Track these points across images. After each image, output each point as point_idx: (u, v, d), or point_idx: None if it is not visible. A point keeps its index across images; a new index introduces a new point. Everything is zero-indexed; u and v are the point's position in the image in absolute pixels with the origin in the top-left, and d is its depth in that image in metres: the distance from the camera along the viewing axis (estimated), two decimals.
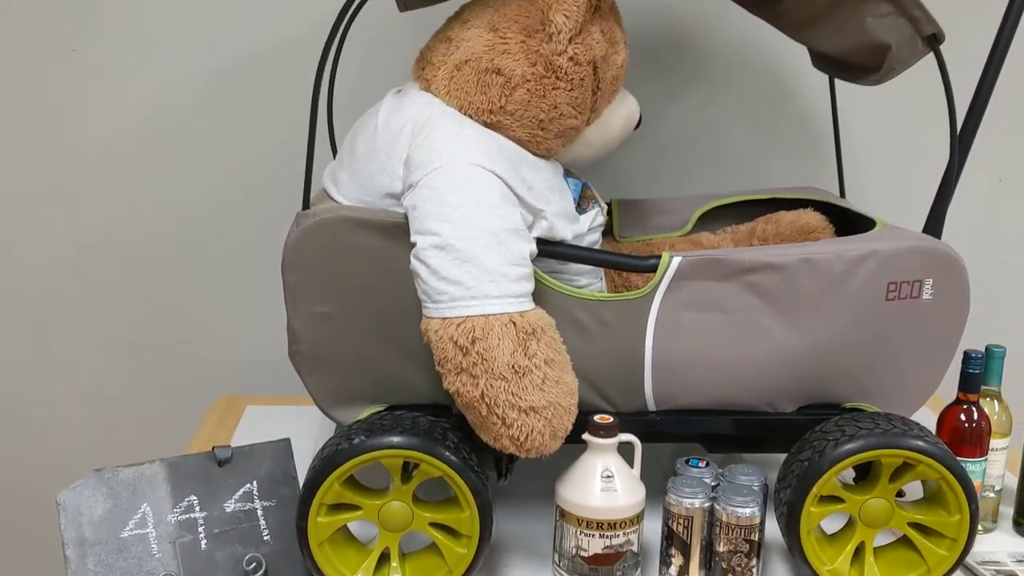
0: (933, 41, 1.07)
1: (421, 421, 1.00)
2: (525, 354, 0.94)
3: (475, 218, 0.95)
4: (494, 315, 0.94)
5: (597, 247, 1.14)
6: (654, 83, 1.50)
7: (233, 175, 1.49)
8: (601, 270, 1.18)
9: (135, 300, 1.53)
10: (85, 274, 1.51)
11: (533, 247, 1.00)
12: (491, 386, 0.93)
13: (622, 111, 1.13)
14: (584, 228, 1.10)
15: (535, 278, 1.00)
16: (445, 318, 0.95)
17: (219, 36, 1.44)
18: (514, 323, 0.95)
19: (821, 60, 1.25)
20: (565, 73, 1.02)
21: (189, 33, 1.43)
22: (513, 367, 0.93)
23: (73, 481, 1.54)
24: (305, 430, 1.38)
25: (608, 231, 1.36)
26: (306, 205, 1.06)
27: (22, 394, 1.55)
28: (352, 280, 1.03)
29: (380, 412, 1.05)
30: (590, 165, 1.18)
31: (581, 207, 1.12)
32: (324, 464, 0.96)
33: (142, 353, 1.54)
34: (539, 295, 1.01)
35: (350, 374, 1.07)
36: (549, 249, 1.05)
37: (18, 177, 1.48)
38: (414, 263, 0.96)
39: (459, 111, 1.05)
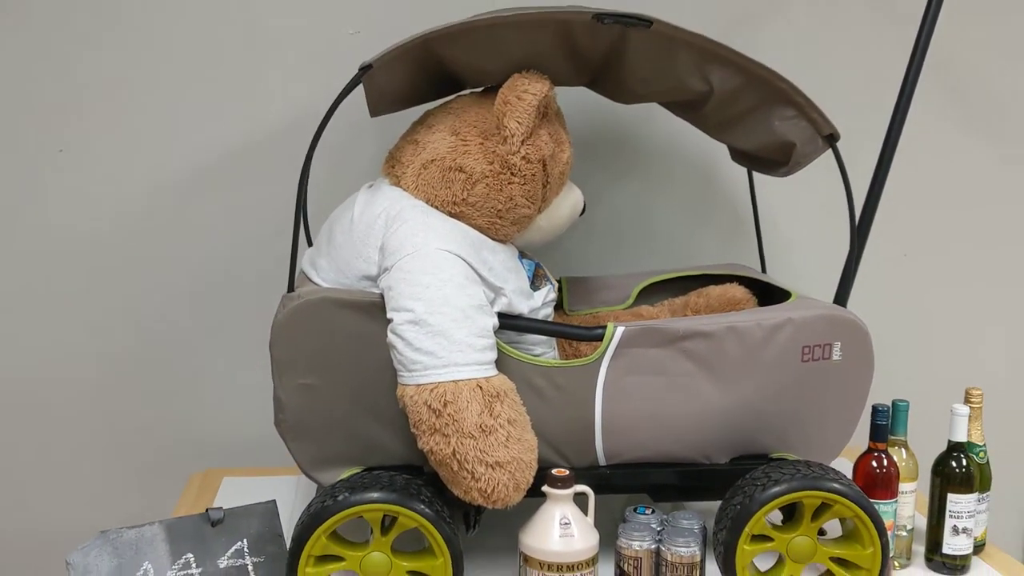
0: (831, 140, 1.25)
1: (397, 479, 1.12)
2: (491, 415, 1.07)
3: (444, 296, 1.09)
4: (463, 381, 1.07)
5: (550, 320, 1.29)
6: (597, 174, 1.68)
7: (216, 261, 1.61)
8: (554, 340, 1.32)
9: (128, 380, 1.62)
10: (78, 355, 1.61)
11: (495, 320, 1.14)
12: (461, 444, 1.06)
13: (569, 200, 1.29)
14: (538, 303, 1.24)
15: (497, 348, 1.14)
16: (419, 384, 1.08)
17: (202, 135, 1.58)
18: (480, 387, 1.08)
19: (738, 155, 1.44)
20: (519, 170, 1.18)
21: (175, 132, 1.57)
22: (480, 427, 1.06)
23: (69, 540, 1.61)
24: (282, 496, 1.47)
25: (559, 305, 1.51)
26: (291, 288, 1.19)
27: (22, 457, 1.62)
28: (333, 354, 1.16)
29: (359, 473, 1.17)
30: (541, 247, 1.33)
31: (535, 284, 1.27)
32: (312, 519, 1.07)
33: (126, 429, 1.63)
34: (501, 363, 1.15)
35: (331, 439, 1.18)
36: (508, 322, 1.19)
37: (7, 269, 1.58)
38: (391, 336, 1.10)
39: (426, 203, 1.19)
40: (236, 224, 1.61)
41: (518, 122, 1.16)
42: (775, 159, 1.33)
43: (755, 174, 1.68)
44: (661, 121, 1.66)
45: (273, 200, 1.60)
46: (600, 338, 1.19)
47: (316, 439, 1.18)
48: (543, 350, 1.28)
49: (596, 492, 1.19)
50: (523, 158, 1.18)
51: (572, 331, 1.21)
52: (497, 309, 1.17)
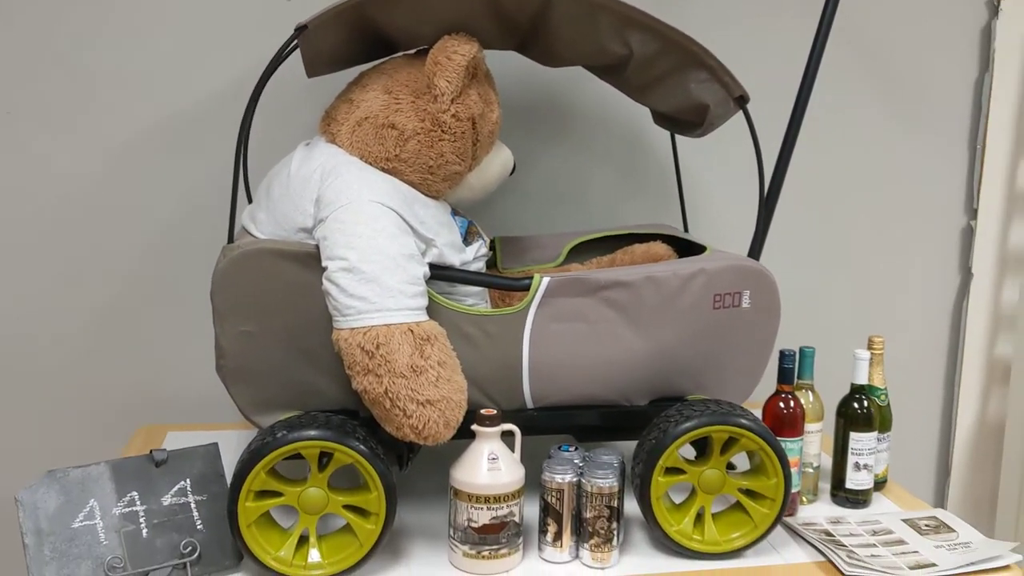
0: (741, 101, 1.34)
1: (334, 419, 1.19)
2: (421, 356, 1.14)
3: (376, 245, 1.15)
4: (395, 324, 1.14)
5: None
6: (526, 136, 1.75)
7: (159, 218, 1.65)
8: (485, 291, 1.39)
9: (77, 338, 1.66)
10: (24, 312, 1.64)
11: (426, 270, 1.20)
12: (393, 383, 1.13)
13: (499, 159, 1.36)
14: (470, 257, 1.31)
15: (430, 299, 1.21)
16: (353, 328, 1.14)
17: (149, 98, 1.61)
18: (412, 331, 1.15)
19: (659, 118, 1.52)
20: (449, 127, 1.25)
21: (122, 95, 1.60)
22: (412, 367, 1.13)
23: (22, 480, 1.65)
24: (224, 447, 1.53)
25: (492, 263, 1.58)
26: (231, 240, 1.24)
27: None
28: (271, 302, 1.21)
29: (298, 414, 1.23)
30: (473, 205, 1.40)
31: (467, 240, 1.33)
32: (252, 456, 1.13)
33: (74, 384, 1.67)
34: (434, 312, 1.22)
35: (270, 384, 1.24)
36: (440, 272, 1.26)
37: None
38: (326, 284, 1.16)
39: (361, 159, 1.25)
40: (181, 184, 1.65)
41: (448, 81, 1.23)
42: (691, 120, 1.41)
43: (677, 138, 1.76)
44: (590, 83, 1.74)
45: (216, 160, 1.65)
46: (527, 288, 1.26)
47: (256, 384, 1.24)
48: (474, 301, 1.35)
49: (524, 433, 1.27)
50: (453, 116, 1.24)
51: (500, 281, 1.28)
52: (429, 260, 1.24)
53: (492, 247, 1.58)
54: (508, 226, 1.78)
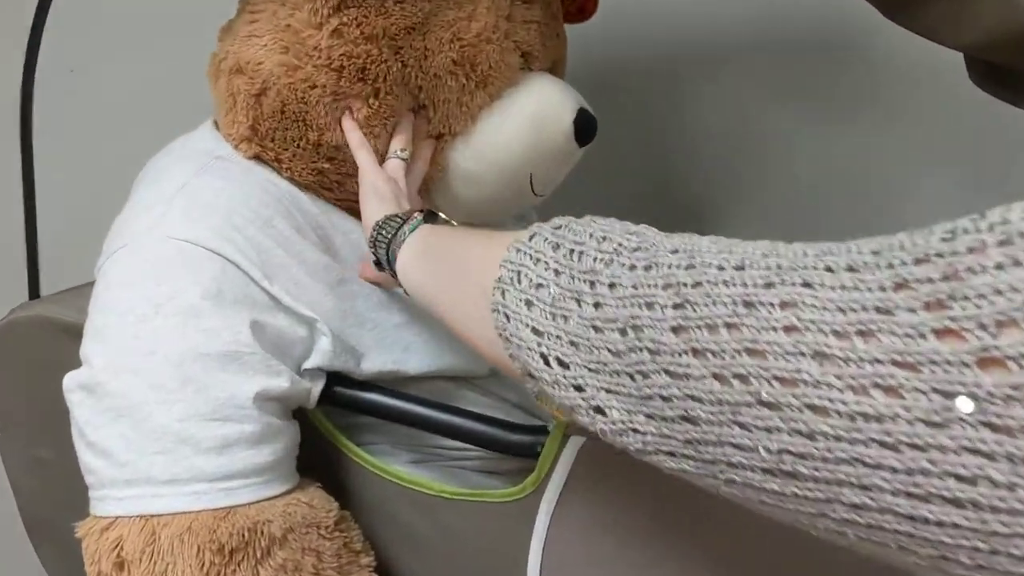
0: None
1: None
2: None
3: (150, 335, 0.53)
4: (162, 516, 0.51)
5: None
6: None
7: None
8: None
9: None
10: None
11: (282, 383, 0.55)
12: None
13: (518, 115, 0.63)
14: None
15: (333, 440, 0.56)
16: (93, 516, 0.54)
17: None
18: (206, 530, 0.51)
19: (976, 72, 0.66)
20: (327, 57, 0.57)
21: None
22: None
23: None
24: None
25: None
26: (33, 289, 0.70)
27: None
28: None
29: None
30: (500, 214, 0.70)
31: None
32: None
33: None
34: (348, 478, 0.57)
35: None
36: (354, 397, 0.59)
37: None
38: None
39: (232, 144, 0.63)
40: None
41: None
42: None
43: None
44: None
45: None
46: (535, 454, 0.55)
47: (68, 541, 0.69)
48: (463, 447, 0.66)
49: None
50: (334, 32, 0.56)
51: (484, 433, 0.58)
52: (315, 363, 0.58)
53: None
54: None
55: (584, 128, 0.64)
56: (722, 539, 0.49)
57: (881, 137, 0.90)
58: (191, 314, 0.53)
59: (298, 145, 0.59)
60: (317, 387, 0.58)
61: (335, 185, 0.62)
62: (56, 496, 0.67)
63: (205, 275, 0.54)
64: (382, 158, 0.60)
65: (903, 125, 0.89)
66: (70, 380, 0.54)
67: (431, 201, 0.65)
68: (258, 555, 0.52)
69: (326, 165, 0.60)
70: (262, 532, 0.52)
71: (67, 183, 0.91)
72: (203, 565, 0.51)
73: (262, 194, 0.59)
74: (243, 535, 0.52)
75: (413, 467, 0.62)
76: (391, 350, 0.60)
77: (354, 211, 0.61)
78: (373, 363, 0.59)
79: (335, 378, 0.59)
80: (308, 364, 0.57)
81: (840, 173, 0.93)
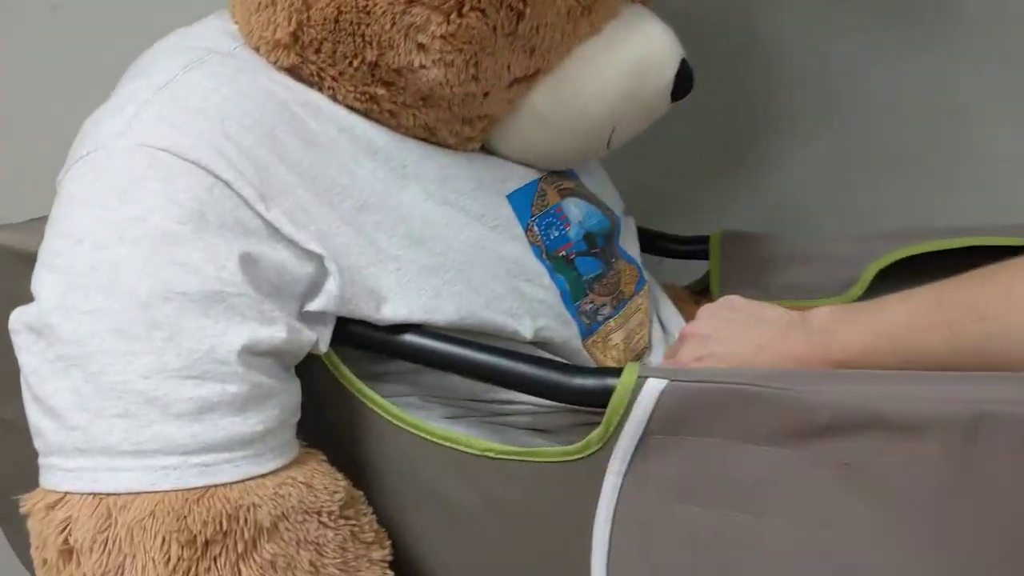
0: None
1: None
2: None
3: (108, 266, 0.42)
4: (120, 496, 0.41)
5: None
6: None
7: None
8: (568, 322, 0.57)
9: None
10: None
11: (276, 333, 0.44)
12: None
13: (621, 55, 0.53)
14: (544, 287, 0.54)
15: (359, 396, 0.46)
16: (42, 489, 0.43)
17: None
18: (174, 516, 0.40)
19: None
20: None
21: None
22: None
23: None
24: None
25: (705, 287, 0.75)
26: None
27: None
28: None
29: None
30: (567, 162, 0.58)
31: (551, 235, 0.55)
32: None
33: None
34: (365, 434, 0.46)
35: None
36: (386, 341, 0.48)
37: None
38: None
39: (248, 44, 0.51)
40: None
41: None
42: None
43: None
44: None
45: None
46: (601, 400, 0.43)
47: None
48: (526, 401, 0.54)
49: None
50: None
51: (543, 377, 0.46)
52: (320, 305, 0.47)
53: (704, 252, 0.75)
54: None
55: (683, 83, 0.55)
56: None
57: None
58: (164, 241, 0.42)
59: (350, 63, 0.48)
60: (326, 333, 0.47)
61: (387, 115, 0.51)
62: (21, 467, 0.57)
63: (184, 193, 0.43)
64: (451, 92, 0.48)
65: None
66: (16, 318, 0.44)
67: (486, 141, 0.54)
68: (240, 549, 0.41)
69: (380, 91, 0.49)
70: (246, 520, 0.41)
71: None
72: (169, 560, 0.40)
73: (266, 98, 0.47)
74: (220, 523, 0.41)
75: (449, 423, 0.52)
76: (419, 295, 0.48)
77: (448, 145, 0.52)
78: (396, 310, 0.48)
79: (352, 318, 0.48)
80: (312, 307, 0.46)
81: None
